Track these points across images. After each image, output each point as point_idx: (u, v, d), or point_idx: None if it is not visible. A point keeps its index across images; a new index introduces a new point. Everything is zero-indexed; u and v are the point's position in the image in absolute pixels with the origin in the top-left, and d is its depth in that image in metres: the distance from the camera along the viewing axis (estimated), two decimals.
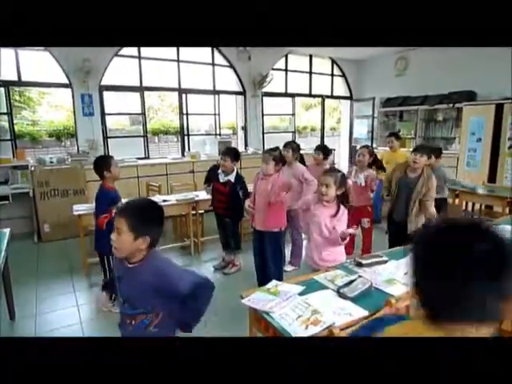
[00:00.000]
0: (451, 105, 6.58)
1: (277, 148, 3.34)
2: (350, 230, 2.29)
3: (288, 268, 3.97)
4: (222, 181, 3.80)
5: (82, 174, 5.12)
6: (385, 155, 5.25)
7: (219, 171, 3.86)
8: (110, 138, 6.14)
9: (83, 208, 3.90)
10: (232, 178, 3.76)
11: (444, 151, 6.41)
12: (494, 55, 6.03)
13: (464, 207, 4.88)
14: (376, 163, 3.99)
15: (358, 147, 4.72)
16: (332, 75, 8.64)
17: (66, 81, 5.52)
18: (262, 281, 3.26)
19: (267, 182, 3.14)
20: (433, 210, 3.22)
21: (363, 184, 3.75)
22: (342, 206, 2.39)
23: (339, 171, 2.51)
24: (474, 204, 4.98)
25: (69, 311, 3.18)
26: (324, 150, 4.27)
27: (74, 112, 5.66)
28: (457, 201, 4.73)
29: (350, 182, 3.79)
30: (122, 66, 6.04)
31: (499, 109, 5.56)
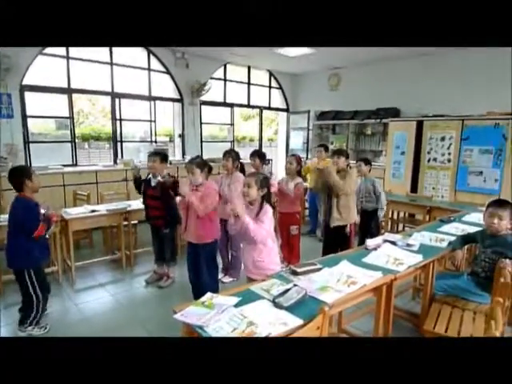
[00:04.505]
0: (378, 120, 7.07)
1: (197, 156, 3.29)
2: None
3: (226, 279, 3.91)
4: (153, 184, 3.65)
5: None
6: (311, 164, 5.46)
7: (150, 176, 3.72)
8: (33, 142, 5.63)
9: None
10: (161, 178, 3.64)
11: (372, 163, 6.88)
12: (416, 75, 6.65)
13: (390, 215, 5.21)
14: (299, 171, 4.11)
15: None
16: (270, 87, 8.84)
17: None
18: (198, 295, 3.17)
19: (197, 193, 3.04)
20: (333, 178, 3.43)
21: (293, 191, 3.85)
22: (266, 206, 2.42)
23: (263, 174, 2.56)
24: (398, 212, 5.34)
25: None
26: (259, 155, 4.27)
27: None
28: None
29: (280, 187, 3.89)
30: (48, 65, 5.60)
31: (419, 125, 6.08)
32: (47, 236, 3.03)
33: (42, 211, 2.84)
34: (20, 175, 2.72)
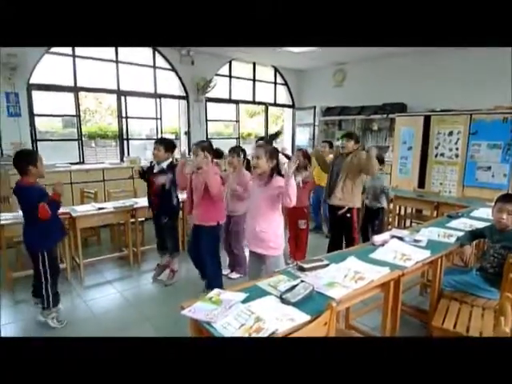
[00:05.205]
0: (385, 115, 7.01)
1: (206, 140, 3.29)
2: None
3: (233, 276, 3.92)
4: (155, 171, 3.67)
5: (7, 179, 4.66)
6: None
7: (154, 163, 3.74)
8: (40, 140, 5.68)
9: (7, 217, 3.53)
10: (165, 165, 3.64)
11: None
12: (423, 69, 6.59)
13: (397, 211, 5.18)
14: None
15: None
16: (275, 83, 8.81)
17: None
18: (204, 276, 3.33)
19: (199, 176, 3.07)
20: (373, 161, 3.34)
21: (301, 185, 3.83)
22: (275, 175, 2.40)
23: (271, 146, 2.52)
24: (405, 208, 5.31)
25: None
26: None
27: None
28: (391, 206, 5.01)
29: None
30: (55, 64, 5.63)
31: (427, 120, 6.02)
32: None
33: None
34: (24, 160, 2.71)
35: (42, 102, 5.68)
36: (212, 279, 3.24)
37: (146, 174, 3.79)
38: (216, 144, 7.80)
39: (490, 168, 5.35)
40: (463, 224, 3.23)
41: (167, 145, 3.66)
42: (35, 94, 5.47)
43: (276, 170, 2.43)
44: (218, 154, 3.21)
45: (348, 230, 3.55)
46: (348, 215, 3.57)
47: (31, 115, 5.43)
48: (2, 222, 3.44)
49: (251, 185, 2.58)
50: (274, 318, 1.58)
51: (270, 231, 2.43)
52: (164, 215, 3.69)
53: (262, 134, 9.11)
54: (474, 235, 2.79)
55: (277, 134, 2.81)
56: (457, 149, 5.70)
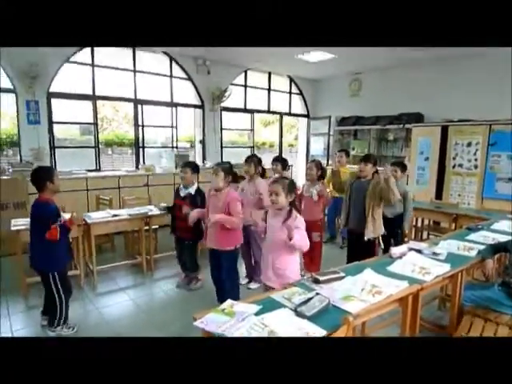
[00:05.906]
0: (401, 125, 6.92)
1: (227, 162, 3.27)
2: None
3: (252, 286, 3.86)
4: (182, 195, 3.68)
5: (24, 185, 4.74)
6: (332, 170, 5.30)
7: (180, 187, 3.75)
8: (58, 147, 5.78)
9: (23, 222, 3.57)
10: (192, 190, 3.65)
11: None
12: (440, 79, 6.50)
13: (414, 223, 5.06)
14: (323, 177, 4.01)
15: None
16: (290, 93, 8.82)
17: (9, 85, 5.14)
18: (221, 298, 3.17)
19: (218, 198, 3.02)
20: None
21: (315, 198, 3.76)
22: (294, 211, 2.33)
23: (287, 179, 2.50)
24: (423, 220, 5.19)
25: None
26: (282, 161, 4.24)
27: (18, 119, 5.28)
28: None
29: (302, 194, 3.82)
30: (74, 72, 5.76)
31: (444, 130, 5.91)
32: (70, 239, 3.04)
33: (64, 216, 2.88)
34: (42, 176, 2.77)
35: (61, 109, 5.80)
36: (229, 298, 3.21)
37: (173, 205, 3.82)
38: (230, 152, 7.87)
39: (510, 180, 5.20)
40: (483, 237, 3.13)
41: (194, 168, 3.71)
42: (54, 102, 5.58)
43: (294, 205, 2.36)
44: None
45: (370, 254, 3.44)
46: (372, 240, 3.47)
47: (50, 123, 5.54)
48: (18, 228, 3.48)
49: (269, 217, 2.46)
50: (288, 331, 1.53)
51: (288, 268, 2.34)
52: (190, 240, 3.69)
53: (277, 143, 9.11)
54: (495, 249, 2.69)
55: None
56: (475, 160, 5.57)
